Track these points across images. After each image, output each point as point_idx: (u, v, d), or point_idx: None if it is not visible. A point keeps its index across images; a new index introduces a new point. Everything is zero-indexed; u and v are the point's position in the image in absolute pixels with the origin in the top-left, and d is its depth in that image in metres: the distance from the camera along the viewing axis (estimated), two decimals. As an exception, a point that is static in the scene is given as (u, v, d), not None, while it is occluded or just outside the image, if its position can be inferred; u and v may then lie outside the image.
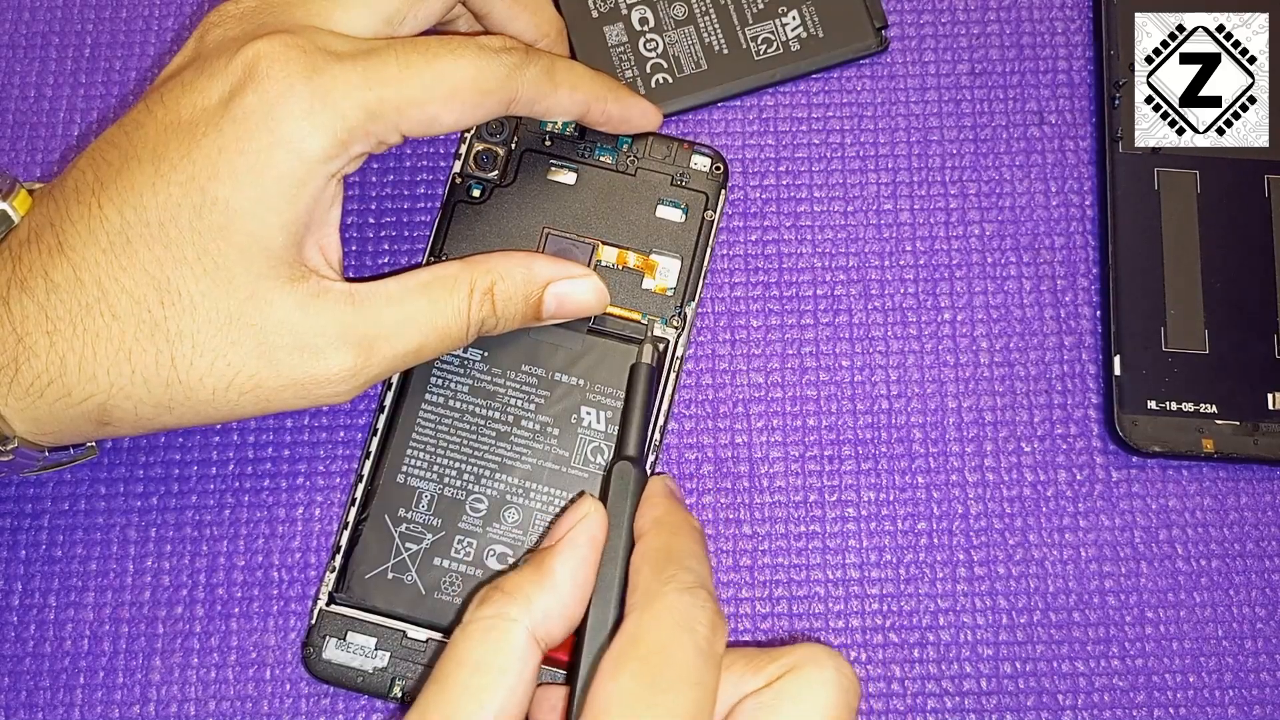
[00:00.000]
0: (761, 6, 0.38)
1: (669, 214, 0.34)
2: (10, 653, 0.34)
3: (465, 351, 0.33)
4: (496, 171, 0.35)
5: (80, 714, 0.33)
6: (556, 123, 0.35)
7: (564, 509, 0.32)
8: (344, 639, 0.32)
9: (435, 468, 0.32)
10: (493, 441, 0.32)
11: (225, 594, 0.34)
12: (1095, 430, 0.36)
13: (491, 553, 0.32)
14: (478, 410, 0.33)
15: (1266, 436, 0.35)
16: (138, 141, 0.29)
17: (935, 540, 0.35)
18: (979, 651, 0.34)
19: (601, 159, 0.35)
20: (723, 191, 0.35)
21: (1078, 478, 0.35)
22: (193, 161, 0.28)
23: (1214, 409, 0.35)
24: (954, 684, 0.34)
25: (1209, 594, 0.35)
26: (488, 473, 0.32)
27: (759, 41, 0.38)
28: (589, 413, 0.33)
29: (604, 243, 0.34)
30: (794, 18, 0.38)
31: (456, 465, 0.32)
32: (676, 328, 0.34)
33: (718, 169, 0.35)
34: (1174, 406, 0.35)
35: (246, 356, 0.28)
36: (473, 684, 0.24)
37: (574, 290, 0.32)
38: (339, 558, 0.32)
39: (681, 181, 0.35)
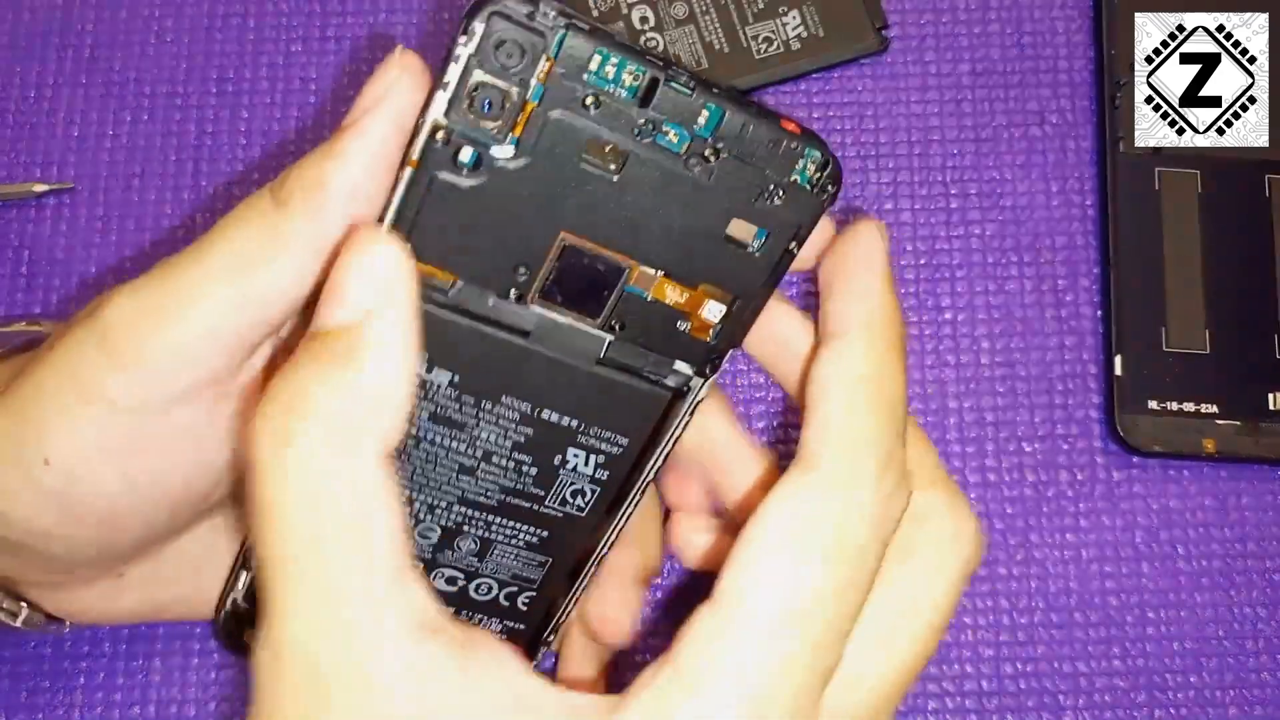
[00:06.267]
0: (762, 6, 0.38)
1: (740, 233, 0.23)
2: (10, 653, 0.34)
3: (429, 372, 0.24)
4: (501, 127, 0.21)
5: (80, 714, 0.33)
6: (609, 75, 0.21)
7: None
8: None
9: None
10: (452, 473, 0.26)
11: (225, 594, 0.34)
12: (1096, 430, 0.36)
13: (440, 575, 0.28)
14: (438, 439, 0.25)
15: (1268, 436, 0.35)
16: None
17: (936, 540, 0.35)
18: (980, 652, 0.34)
19: (665, 146, 0.22)
20: (824, 217, 0.23)
21: (1079, 478, 0.35)
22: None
23: (1215, 409, 0.35)
24: (955, 685, 0.34)
25: (1210, 594, 0.35)
26: (444, 504, 0.26)
27: (759, 41, 0.38)
28: (577, 455, 0.26)
29: (642, 265, 0.23)
30: (794, 17, 0.38)
31: (405, 494, 0.26)
32: (705, 376, 0.25)
33: (829, 188, 0.23)
34: (1175, 406, 0.35)
35: None
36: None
37: None
38: None
39: (772, 197, 0.22)
